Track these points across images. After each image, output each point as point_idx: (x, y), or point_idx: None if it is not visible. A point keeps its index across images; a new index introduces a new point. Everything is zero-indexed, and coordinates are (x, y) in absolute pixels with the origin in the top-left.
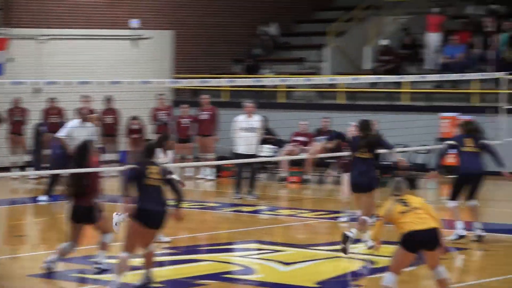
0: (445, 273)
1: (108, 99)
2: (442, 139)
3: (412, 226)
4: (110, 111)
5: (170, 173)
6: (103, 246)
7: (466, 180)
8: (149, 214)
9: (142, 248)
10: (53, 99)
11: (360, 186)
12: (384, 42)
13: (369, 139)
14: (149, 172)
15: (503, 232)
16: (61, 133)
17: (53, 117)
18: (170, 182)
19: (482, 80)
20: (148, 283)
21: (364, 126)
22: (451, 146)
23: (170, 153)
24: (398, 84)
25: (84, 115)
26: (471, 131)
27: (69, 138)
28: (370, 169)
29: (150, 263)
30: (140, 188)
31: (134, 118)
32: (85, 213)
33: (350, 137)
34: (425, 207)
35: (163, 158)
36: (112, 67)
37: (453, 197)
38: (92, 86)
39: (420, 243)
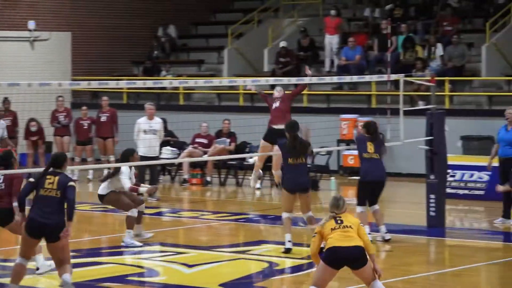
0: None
1: (5, 101)
2: (342, 141)
3: (335, 242)
4: (8, 113)
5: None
6: None
7: (368, 187)
8: (33, 224)
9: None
10: None
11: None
12: (283, 44)
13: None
14: (47, 182)
15: (403, 233)
16: None
17: None
18: (66, 196)
19: (380, 82)
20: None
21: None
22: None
23: (133, 170)
24: (296, 86)
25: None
26: (372, 133)
27: None
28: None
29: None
30: (35, 197)
31: (32, 120)
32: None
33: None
34: (357, 227)
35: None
36: (10, 68)
37: (360, 202)
38: None
39: (341, 260)
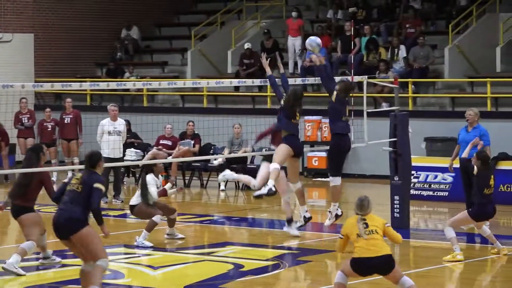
0: (410, 281)
1: None
2: (306, 143)
3: (363, 253)
4: None
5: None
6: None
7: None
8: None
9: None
10: None
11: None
12: (247, 45)
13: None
14: (74, 179)
15: None
16: None
17: None
18: (90, 201)
19: None
20: None
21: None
22: None
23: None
24: (260, 88)
25: None
26: None
27: None
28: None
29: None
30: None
31: None
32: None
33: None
34: (382, 229)
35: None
36: None
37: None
38: None
39: (369, 270)
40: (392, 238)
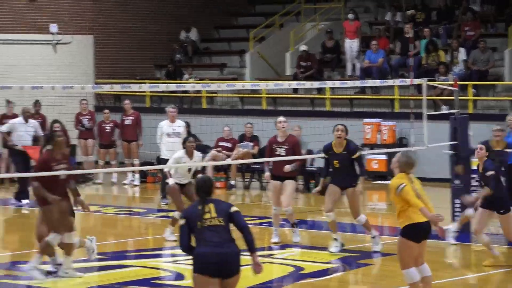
0: (429, 271)
1: (37, 103)
2: (365, 145)
3: (418, 217)
4: (38, 115)
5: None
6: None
7: None
8: (209, 260)
9: None
10: None
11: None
12: (303, 48)
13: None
14: (205, 213)
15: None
16: (3, 128)
17: None
18: (239, 225)
19: (403, 86)
20: None
21: None
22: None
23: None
24: (319, 90)
25: (26, 113)
26: None
27: (11, 133)
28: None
29: None
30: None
31: (56, 121)
32: None
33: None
34: (423, 193)
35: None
36: (34, 72)
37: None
38: (14, 91)
39: (424, 234)
40: (426, 201)
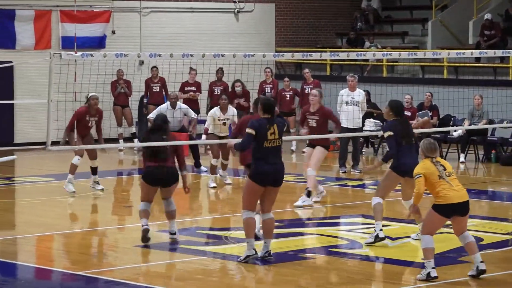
0: (471, 237)
1: (218, 71)
2: None
3: (453, 198)
4: (220, 82)
5: None
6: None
7: None
8: (265, 174)
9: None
10: (153, 68)
11: None
12: (487, 16)
13: None
14: (269, 134)
15: None
16: (151, 115)
17: (155, 86)
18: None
19: None
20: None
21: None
22: None
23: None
24: (502, 59)
25: (172, 99)
26: None
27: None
28: None
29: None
30: (260, 150)
31: (238, 81)
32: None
33: None
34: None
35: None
36: (215, 40)
37: None
38: (196, 59)
39: (455, 212)
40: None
